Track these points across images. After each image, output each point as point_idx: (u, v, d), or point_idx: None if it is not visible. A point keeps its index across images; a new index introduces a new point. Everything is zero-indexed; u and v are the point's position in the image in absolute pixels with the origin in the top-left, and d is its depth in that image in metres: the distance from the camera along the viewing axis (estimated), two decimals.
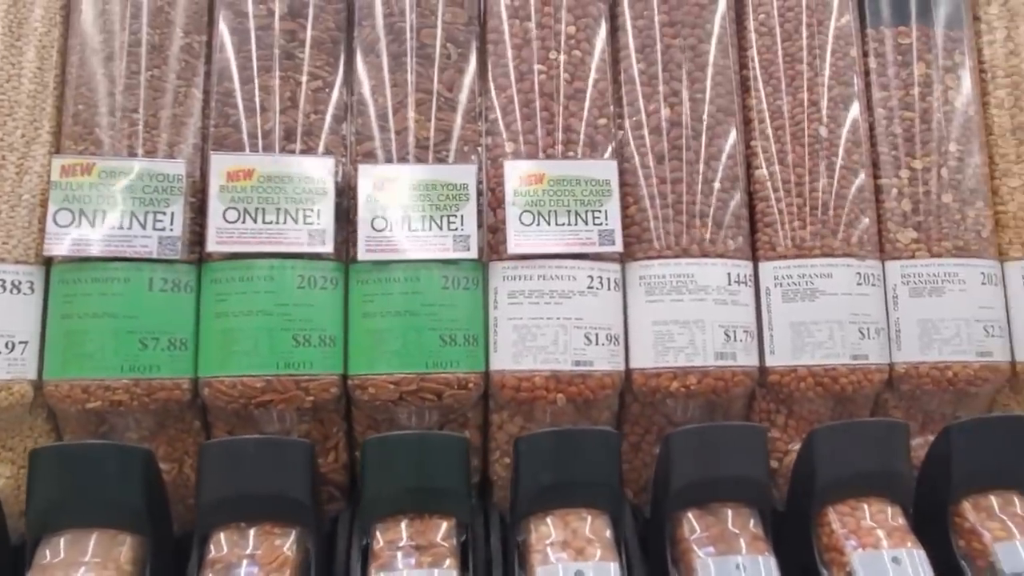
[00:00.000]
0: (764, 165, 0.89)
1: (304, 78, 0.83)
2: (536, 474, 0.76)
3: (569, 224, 0.82)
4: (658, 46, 0.89)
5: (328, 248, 0.79)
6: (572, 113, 0.86)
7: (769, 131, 0.90)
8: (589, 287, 0.82)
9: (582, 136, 0.86)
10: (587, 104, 0.86)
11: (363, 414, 0.83)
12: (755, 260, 0.88)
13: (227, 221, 0.78)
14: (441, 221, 0.81)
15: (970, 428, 0.83)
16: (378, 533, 0.74)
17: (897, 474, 0.80)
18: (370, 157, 0.83)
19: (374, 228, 0.80)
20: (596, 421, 0.85)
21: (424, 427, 0.83)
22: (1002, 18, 0.96)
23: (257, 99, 0.83)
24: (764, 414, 0.89)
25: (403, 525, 0.74)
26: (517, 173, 0.82)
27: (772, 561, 0.74)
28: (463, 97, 0.86)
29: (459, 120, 0.85)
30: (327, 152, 0.83)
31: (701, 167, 0.86)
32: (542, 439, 0.77)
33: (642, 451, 0.88)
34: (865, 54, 0.94)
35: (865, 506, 0.80)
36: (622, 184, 0.86)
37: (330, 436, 0.83)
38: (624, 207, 0.86)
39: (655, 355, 0.83)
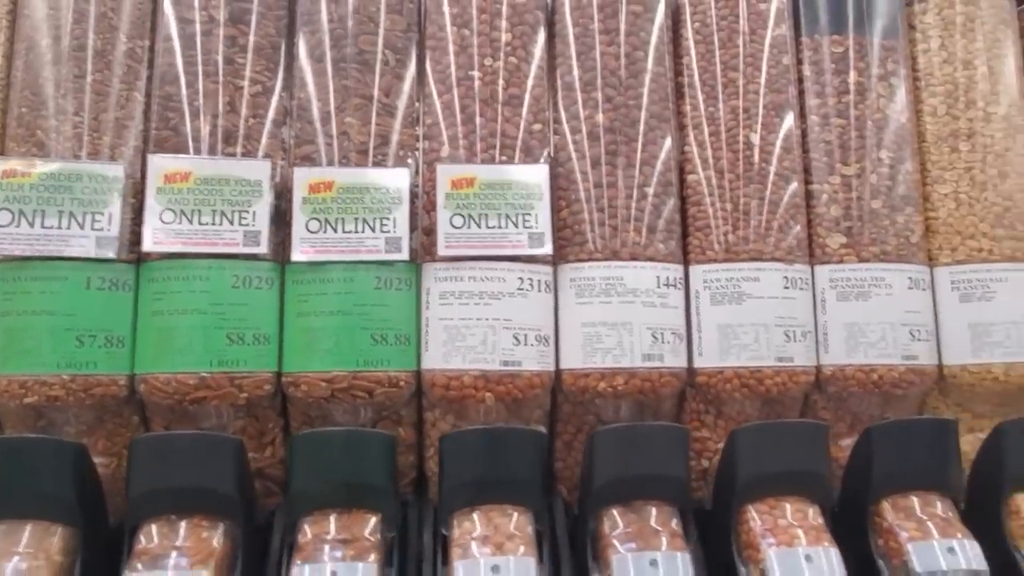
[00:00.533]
0: (698, 170, 0.91)
1: (244, 83, 0.86)
2: (460, 471, 0.78)
3: (500, 227, 0.84)
4: (594, 53, 0.90)
5: (262, 249, 0.81)
6: (507, 119, 0.88)
7: (705, 137, 0.92)
8: (519, 289, 0.84)
9: (518, 141, 0.88)
10: (523, 110, 0.88)
11: (298, 411, 0.85)
12: (687, 263, 0.90)
13: (163, 222, 0.80)
14: (374, 223, 0.83)
15: (891, 429, 0.85)
16: (305, 526, 0.76)
17: (816, 474, 0.82)
18: (308, 160, 0.85)
19: (308, 230, 0.82)
20: (527, 420, 0.87)
21: (358, 424, 0.85)
22: (937, 27, 0.97)
23: (200, 102, 0.85)
24: (694, 414, 0.91)
25: (331, 519, 0.77)
26: (448, 176, 0.84)
27: (688, 557, 0.76)
28: (401, 102, 0.88)
29: (397, 125, 0.87)
30: (265, 155, 0.85)
31: (635, 172, 0.88)
32: (467, 437, 0.79)
33: (574, 450, 0.90)
34: (800, 62, 0.96)
35: (786, 505, 0.82)
36: (557, 188, 0.88)
37: (267, 432, 0.86)
38: (558, 210, 0.88)
39: (584, 356, 0.85)
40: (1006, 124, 0.95)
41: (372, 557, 0.74)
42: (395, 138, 0.87)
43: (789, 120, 0.92)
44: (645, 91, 0.90)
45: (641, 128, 0.89)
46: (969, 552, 0.79)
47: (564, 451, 0.90)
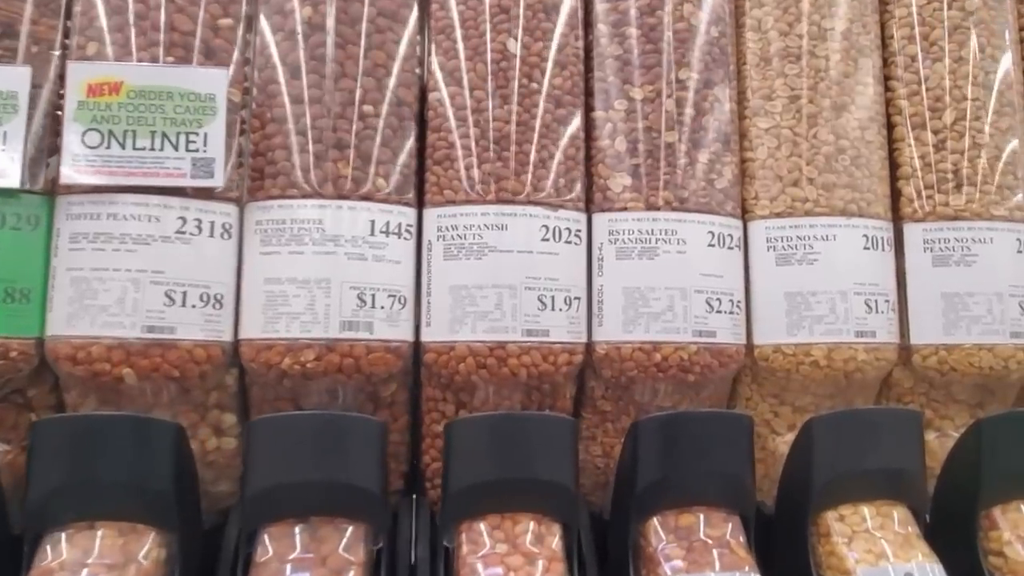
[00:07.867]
0: (441, 87, 0.70)
1: None
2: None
3: (152, 149, 0.63)
4: None
5: None
6: (180, 8, 0.66)
7: (454, 44, 0.71)
8: (179, 232, 0.63)
9: (196, 40, 0.66)
10: None
11: None
12: (421, 206, 0.70)
13: None
14: None
15: (666, 425, 0.65)
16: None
17: (559, 485, 0.62)
18: None
19: None
20: (198, 403, 0.67)
21: None
22: None
23: None
24: (431, 403, 0.71)
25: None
26: (83, 78, 0.63)
27: None
28: None
29: (28, 10, 0.66)
30: None
31: (353, 85, 0.67)
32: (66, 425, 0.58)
33: None
34: None
35: (526, 522, 0.63)
36: (251, 104, 0.68)
37: None
38: (252, 131, 0.68)
39: (264, 322, 0.64)
40: (846, 43, 0.75)
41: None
42: (23, 28, 0.65)
43: (562, 26, 0.71)
44: None
45: (365, 28, 0.68)
46: None
47: None
